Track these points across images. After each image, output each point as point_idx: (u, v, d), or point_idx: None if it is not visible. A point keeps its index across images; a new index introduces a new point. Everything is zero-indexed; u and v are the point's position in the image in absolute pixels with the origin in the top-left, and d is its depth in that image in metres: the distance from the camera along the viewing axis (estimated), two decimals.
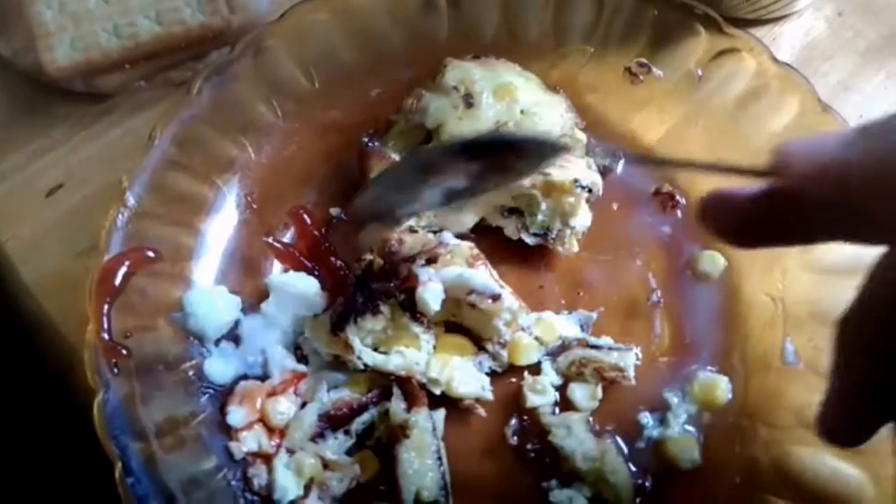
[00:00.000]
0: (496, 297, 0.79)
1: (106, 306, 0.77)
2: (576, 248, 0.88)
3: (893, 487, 0.71)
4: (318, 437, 0.78)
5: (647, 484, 0.78)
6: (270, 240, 0.88)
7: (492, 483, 0.79)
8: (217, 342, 0.82)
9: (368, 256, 0.83)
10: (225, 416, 0.78)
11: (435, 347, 0.82)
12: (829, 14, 1.05)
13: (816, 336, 0.80)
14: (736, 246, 0.59)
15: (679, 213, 0.91)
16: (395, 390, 0.79)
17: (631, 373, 0.81)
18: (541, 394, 0.81)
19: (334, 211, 0.91)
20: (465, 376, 0.81)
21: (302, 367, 0.82)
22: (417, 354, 0.81)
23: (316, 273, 0.87)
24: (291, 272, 0.87)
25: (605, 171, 0.91)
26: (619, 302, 0.87)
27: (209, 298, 0.81)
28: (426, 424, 0.78)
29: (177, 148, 0.85)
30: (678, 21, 0.92)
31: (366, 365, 0.79)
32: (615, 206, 0.91)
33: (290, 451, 0.77)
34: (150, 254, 0.81)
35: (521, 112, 0.86)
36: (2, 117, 0.98)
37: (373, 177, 0.84)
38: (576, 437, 0.78)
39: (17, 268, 0.89)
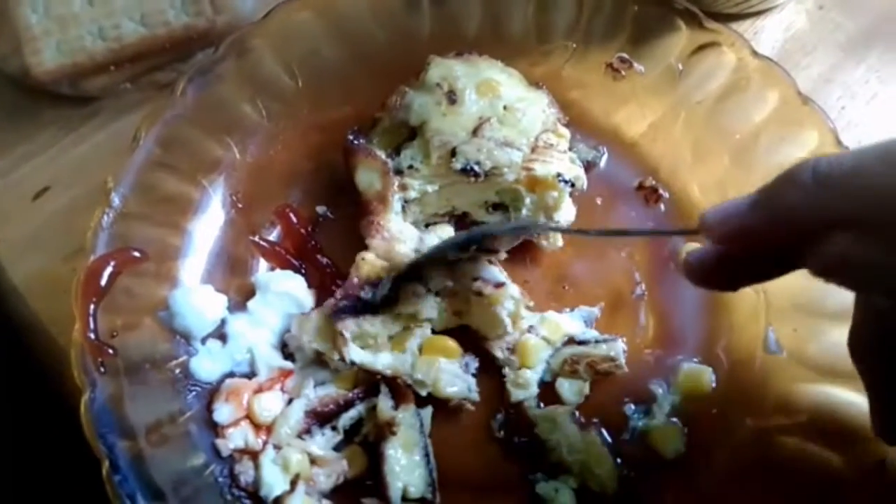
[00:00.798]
0: (500, 285, 0.80)
1: (92, 306, 0.77)
2: (560, 243, 0.89)
3: (875, 474, 0.72)
4: (304, 433, 0.78)
5: (632, 474, 0.79)
6: (256, 239, 0.89)
7: (479, 476, 0.80)
8: (203, 340, 0.82)
9: (364, 255, 0.84)
10: (212, 413, 0.78)
11: (421, 349, 0.83)
12: (810, 8, 1.06)
13: (799, 325, 0.81)
14: (726, 290, 0.69)
15: (662, 206, 0.91)
16: (383, 388, 0.80)
17: (622, 361, 0.82)
18: (523, 388, 0.81)
19: (320, 209, 0.91)
20: (452, 377, 0.81)
21: (288, 365, 0.82)
22: (402, 357, 0.81)
23: (302, 271, 0.88)
24: (278, 270, 0.87)
25: (588, 166, 0.91)
26: (604, 295, 0.88)
27: (195, 297, 0.82)
28: (413, 422, 0.79)
29: (162, 149, 0.85)
30: (659, 16, 0.92)
31: (352, 362, 0.79)
32: (599, 201, 0.92)
33: (277, 448, 0.77)
34: (136, 254, 0.81)
35: (504, 108, 0.87)
36: None
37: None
38: (561, 430, 0.79)
39: (4, 270, 0.89)
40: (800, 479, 0.74)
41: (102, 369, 0.75)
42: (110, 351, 0.76)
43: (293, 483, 0.75)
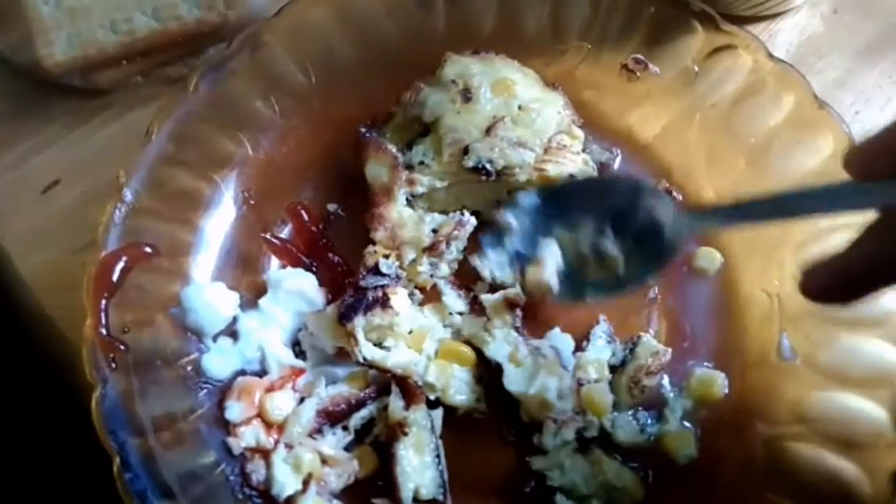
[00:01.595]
0: None
1: (104, 302, 0.76)
2: None
3: (889, 483, 0.71)
4: (316, 432, 0.78)
5: (649, 477, 0.79)
6: (268, 236, 0.89)
7: (491, 479, 0.80)
8: (215, 338, 0.82)
9: (371, 250, 0.83)
10: (223, 411, 0.78)
11: (437, 353, 0.83)
12: (825, 11, 1.06)
13: (813, 332, 0.81)
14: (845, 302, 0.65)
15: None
16: (394, 388, 0.79)
17: (661, 346, 0.83)
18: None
19: (332, 207, 0.91)
20: (462, 385, 0.81)
21: (300, 363, 0.82)
22: (417, 357, 0.81)
23: (314, 269, 0.87)
24: (289, 268, 0.87)
25: (601, 167, 0.91)
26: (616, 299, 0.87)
27: (207, 294, 0.81)
28: (424, 422, 0.78)
29: (174, 144, 0.85)
30: (675, 18, 0.92)
31: (364, 359, 0.79)
32: None
33: (289, 447, 0.77)
34: (148, 249, 0.81)
35: (519, 108, 0.86)
36: None
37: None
38: (569, 474, 0.78)
39: (14, 264, 0.89)
40: (813, 487, 0.73)
41: (114, 365, 0.74)
42: (122, 347, 0.76)
43: (305, 483, 0.75)
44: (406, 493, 0.75)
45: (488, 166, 0.84)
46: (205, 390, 0.79)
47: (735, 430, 0.79)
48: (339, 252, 0.89)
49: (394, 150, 0.87)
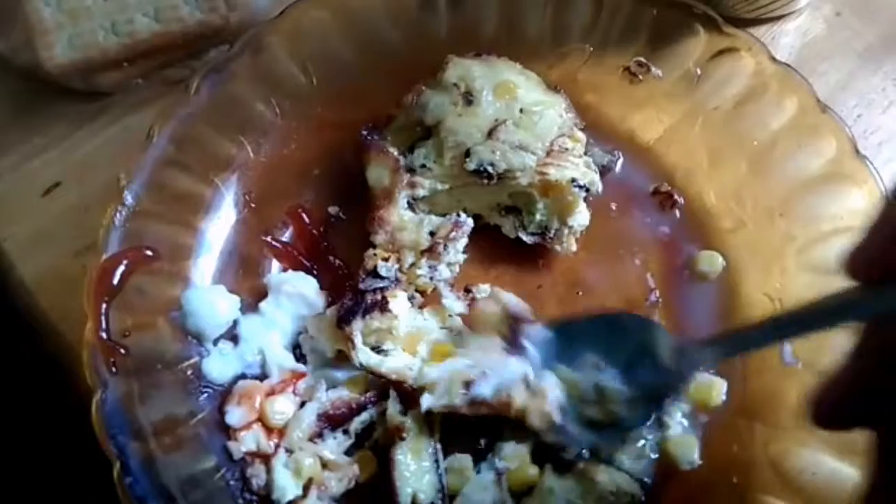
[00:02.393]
0: None
1: (104, 305, 0.76)
2: (574, 248, 0.88)
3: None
4: (316, 436, 0.78)
5: (647, 481, 0.78)
6: (269, 239, 0.88)
7: None
8: (216, 341, 0.82)
9: (372, 252, 0.83)
10: (223, 415, 0.78)
11: (430, 355, 0.82)
12: (828, 14, 1.05)
13: (814, 336, 0.80)
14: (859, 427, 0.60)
15: (677, 212, 0.91)
16: (392, 392, 0.79)
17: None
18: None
19: (333, 210, 0.91)
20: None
21: (301, 367, 0.82)
22: (412, 360, 0.81)
23: (315, 272, 0.87)
24: (290, 271, 0.87)
25: (603, 171, 0.91)
26: (617, 302, 0.87)
27: (208, 298, 0.81)
28: (422, 427, 0.78)
29: (175, 146, 0.85)
30: (677, 20, 0.92)
31: (361, 364, 0.78)
32: (614, 206, 0.91)
33: (289, 451, 0.77)
34: (149, 253, 0.81)
35: (521, 111, 0.86)
36: None
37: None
38: (562, 497, 0.77)
39: (14, 267, 0.89)
40: (815, 492, 0.73)
41: (114, 369, 0.74)
42: (122, 351, 0.75)
43: (306, 488, 0.75)
44: (404, 498, 0.75)
45: (490, 169, 0.83)
46: (205, 394, 0.79)
47: (737, 435, 0.79)
48: (340, 255, 0.89)
49: (395, 152, 0.87)
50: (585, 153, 0.89)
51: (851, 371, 0.57)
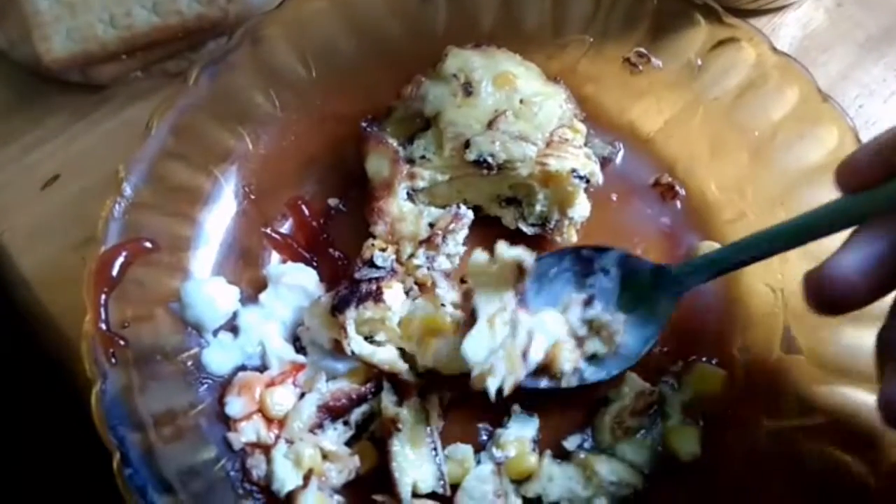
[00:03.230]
0: None
1: (103, 297, 0.76)
2: (574, 239, 0.88)
3: (894, 478, 0.71)
4: (317, 427, 0.78)
5: (647, 472, 0.78)
6: (269, 231, 0.88)
7: None
8: (215, 333, 0.82)
9: (371, 243, 0.83)
10: (223, 406, 0.78)
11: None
12: (829, 4, 1.05)
13: (817, 325, 0.80)
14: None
15: (678, 203, 0.91)
16: (385, 383, 0.79)
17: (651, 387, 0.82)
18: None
19: (332, 202, 0.91)
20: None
21: (301, 358, 0.81)
22: (412, 345, 0.80)
23: (314, 264, 0.87)
24: (290, 263, 0.87)
25: (604, 162, 0.91)
26: None
27: (207, 289, 0.81)
28: (419, 416, 0.78)
29: (174, 138, 0.84)
30: (677, 11, 0.91)
31: (353, 352, 0.78)
32: (614, 197, 0.91)
33: (289, 442, 0.77)
34: (148, 244, 0.81)
35: (521, 102, 0.86)
36: None
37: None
38: (560, 484, 0.77)
39: (13, 259, 0.89)
40: (819, 483, 0.73)
41: (114, 360, 0.74)
42: (121, 342, 0.75)
43: (306, 478, 0.75)
44: (404, 488, 0.75)
45: (490, 160, 0.83)
46: (205, 385, 0.79)
47: (739, 426, 0.79)
48: (340, 247, 0.88)
49: (395, 144, 0.87)
50: (585, 144, 0.88)
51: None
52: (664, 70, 0.93)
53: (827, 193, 0.83)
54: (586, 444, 0.80)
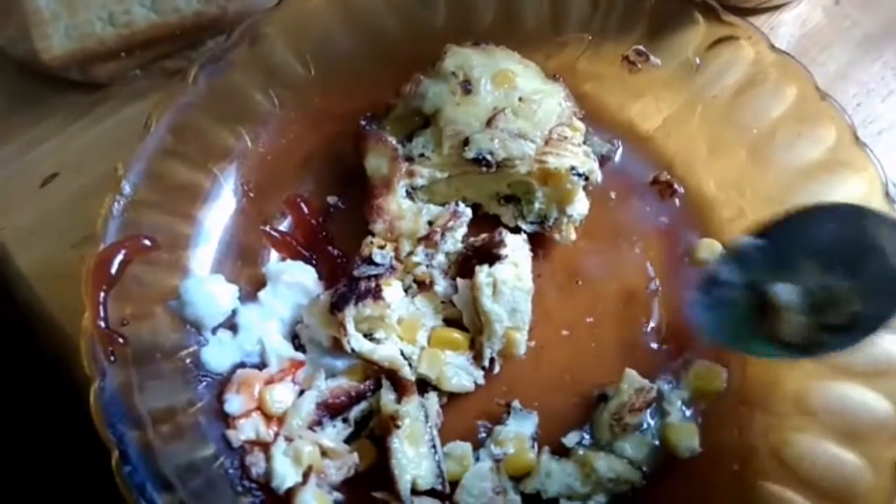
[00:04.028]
0: None
1: (102, 294, 0.76)
2: (573, 237, 0.88)
3: (891, 474, 0.71)
4: (316, 425, 0.78)
5: (646, 469, 0.78)
6: (268, 228, 0.88)
7: None
8: (214, 330, 0.82)
9: (370, 240, 0.83)
10: (222, 404, 0.78)
11: (429, 341, 0.82)
12: (827, 3, 1.05)
13: None
14: None
15: (677, 201, 0.91)
16: (385, 381, 0.79)
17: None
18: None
19: (331, 199, 0.91)
20: (457, 370, 0.81)
21: (300, 356, 0.81)
22: (411, 348, 0.81)
23: (313, 262, 0.87)
24: (289, 261, 0.87)
25: (602, 160, 0.91)
26: (617, 290, 0.87)
27: (206, 287, 0.81)
28: (417, 413, 0.78)
29: (173, 136, 0.84)
30: (676, 9, 0.91)
31: (353, 350, 0.78)
32: (613, 195, 0.91)
33: (288, 439, 0.77)
34: (147, 242, 0.81)
35: (520, 100, 0.86)
36: None
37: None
38: (559, 479, 0.78)
39: (12, 257, 0.89)
40: (815, 478, 0.73)
41: (112, 358, 0.74)
42: (120, 340, 0.75)
43: (305, 475, 0.75)
44: (403, 485, 0.75)
45: (489, 158, 0.83)
46: (204, 383, 0.79)
47: (737, 422, 0.79)
48: (339, 245, 0.89)
49: (394, 142, 0.87)
50: (584, 142, 0.89)
51: None
52: (663, 68, 0.93)
53: (825, 191, 0.84)
54: (585, 441, 0.80)
